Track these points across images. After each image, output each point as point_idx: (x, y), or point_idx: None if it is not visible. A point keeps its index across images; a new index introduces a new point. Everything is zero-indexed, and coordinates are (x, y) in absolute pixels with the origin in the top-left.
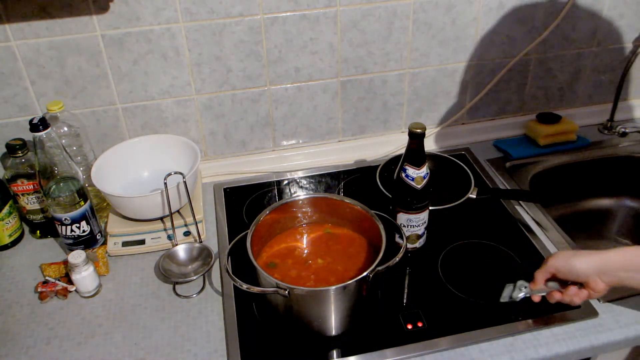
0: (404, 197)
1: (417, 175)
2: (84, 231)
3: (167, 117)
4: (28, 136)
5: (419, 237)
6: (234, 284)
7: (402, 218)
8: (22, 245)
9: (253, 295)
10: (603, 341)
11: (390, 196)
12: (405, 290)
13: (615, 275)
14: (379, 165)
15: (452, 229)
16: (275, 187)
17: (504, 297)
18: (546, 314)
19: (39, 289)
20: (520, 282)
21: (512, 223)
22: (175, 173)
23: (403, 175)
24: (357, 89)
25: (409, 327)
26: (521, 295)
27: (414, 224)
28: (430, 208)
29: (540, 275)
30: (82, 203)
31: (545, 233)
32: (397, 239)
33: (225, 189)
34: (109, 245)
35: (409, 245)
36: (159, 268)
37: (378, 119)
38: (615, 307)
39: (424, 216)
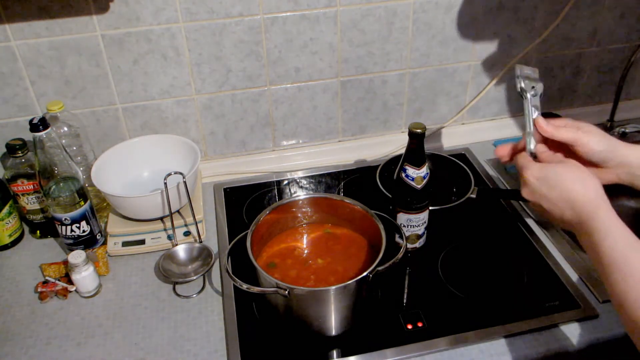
0: (404, 197)
1: (417, 175)
2: (84, 231)
3: (167, 117)
4: (28, 136)
5: (419, 237)
6: (234, 284)
7: (402, 218)
8: (22, 245)
9: (253, 295)
10: (603, 341)
11: (390, 196)
12: (405, 290)
13: (634, 173)
14: (379, 165)
15: (452, 229)
16: (275, 187)
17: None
18: (546, 314)
19: (39, 289)
20: (537, 86)
21: (512, 223)
22: (175, 173)
23: (403, 175)
24: (357, 89)
25: (409, 327)
26: (524, 88)
27: (414, 224)
28: (430, 208)
29: (563, 126)
30: (82, 203)
31: (545, 233)
32: (397, 239)
33: (225, 189)
34: (109, 245)
35: (409, 245)
36: (159, 268)
37: (378, 119)
38: None
39: (424, 216)
